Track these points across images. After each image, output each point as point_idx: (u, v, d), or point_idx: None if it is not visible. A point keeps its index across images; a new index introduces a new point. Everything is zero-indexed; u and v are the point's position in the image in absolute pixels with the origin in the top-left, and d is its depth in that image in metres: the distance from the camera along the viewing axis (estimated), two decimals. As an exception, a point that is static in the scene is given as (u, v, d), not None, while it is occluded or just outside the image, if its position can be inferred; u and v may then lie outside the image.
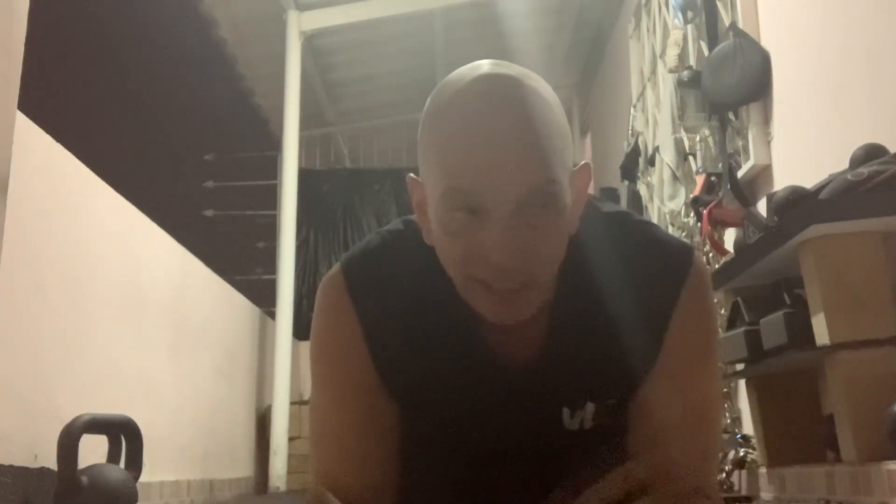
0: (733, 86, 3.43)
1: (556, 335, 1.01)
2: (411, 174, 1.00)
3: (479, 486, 1.11)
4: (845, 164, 2.40)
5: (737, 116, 3.63)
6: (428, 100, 0.94)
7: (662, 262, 1.01)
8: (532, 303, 0.92)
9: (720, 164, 3.62)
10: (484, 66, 0.93)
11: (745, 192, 3.42)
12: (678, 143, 4.38)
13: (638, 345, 1.00)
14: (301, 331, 5.98)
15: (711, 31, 3.84)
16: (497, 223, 0.87)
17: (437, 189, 0.90)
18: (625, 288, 1.00)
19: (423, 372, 1.03)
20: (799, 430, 2.79)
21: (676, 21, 4.21)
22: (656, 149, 4.72)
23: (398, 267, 1.03)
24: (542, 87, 0.92)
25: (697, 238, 3.86)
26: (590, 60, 7.25)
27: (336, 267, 1.06)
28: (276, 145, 7.03)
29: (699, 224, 3.66)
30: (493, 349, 1.01)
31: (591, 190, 1.07)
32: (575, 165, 0.97)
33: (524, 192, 0.86)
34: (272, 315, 6.14)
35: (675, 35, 4.35)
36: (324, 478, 1.05)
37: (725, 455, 3.19)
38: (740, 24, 3.50)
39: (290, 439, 5.69)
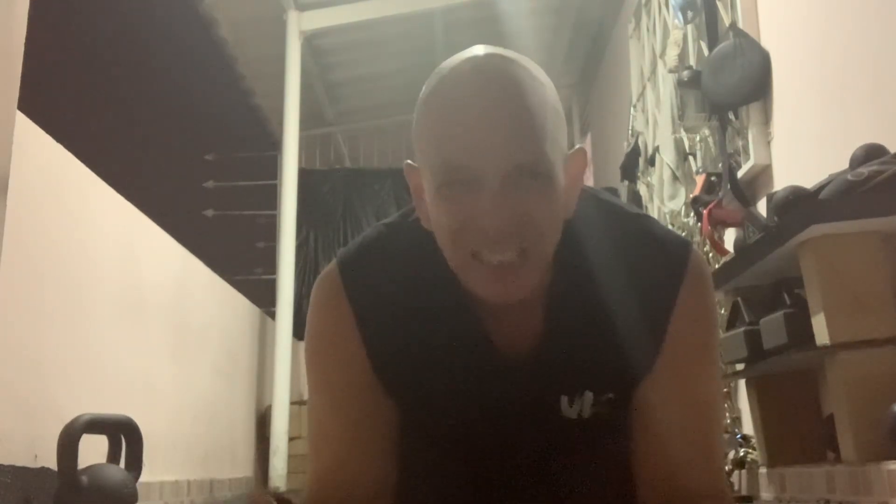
0: (733, 86, 3.43)
1: (553, 322, 1.01)
2: (408, 161, 1.00)
3: (479, 478, 1.11)
4: (845, 164, 2.40)
5: (737, 116, 3.63)
6: (423, 86, 0.96)
7: (661, 256, 1.01)
8: (528, 278, 0.92)
9: (720, 164, 3.62)
10: (477, 48, 0.95)
11: (745, 192, 3.42)
12: (678, 143, 4.38)
13: (636, 341, 1.00)
14: (301, 331, 5.93)
15: (711, 31, 3.84)
16: (489, 191, 0.88)
17: (431, 165, 0.91)
18: (623, 281, 1.00)
19: (422, 367, 1.02)
20: (799, 430, 2.79)
21: (676, 21, 4.21)
22: (656, 149, 4.72)
23: (394, 261, 1.03)
24: (537, 70, 0.94)
25: (697, 238, 3.86)
26: (590, 60, 7.25)
27: (332, 263, 1.06)
28: (276, 145, 7.02)
29: (699, 224, 3.66)
30: (492, 338, 1.01)
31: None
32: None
33: (515, 160, 0.88)
34: (272, 315, 6.14)
35: (675, 35, 4.35)
36: (322, 477, 1.05)
37: (725, 455, 3.20)
38: (740, 24, 3.50)
39: (290, 439, 5.69)
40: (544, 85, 0.93)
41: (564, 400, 1.04)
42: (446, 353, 1.02)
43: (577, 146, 0.99)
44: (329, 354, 1.04)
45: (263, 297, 6.50)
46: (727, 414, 3.52)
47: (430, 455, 1.09)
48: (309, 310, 1.06)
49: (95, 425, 2.77)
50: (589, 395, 1.03)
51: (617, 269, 1.01)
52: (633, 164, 5.22)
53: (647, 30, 5.16)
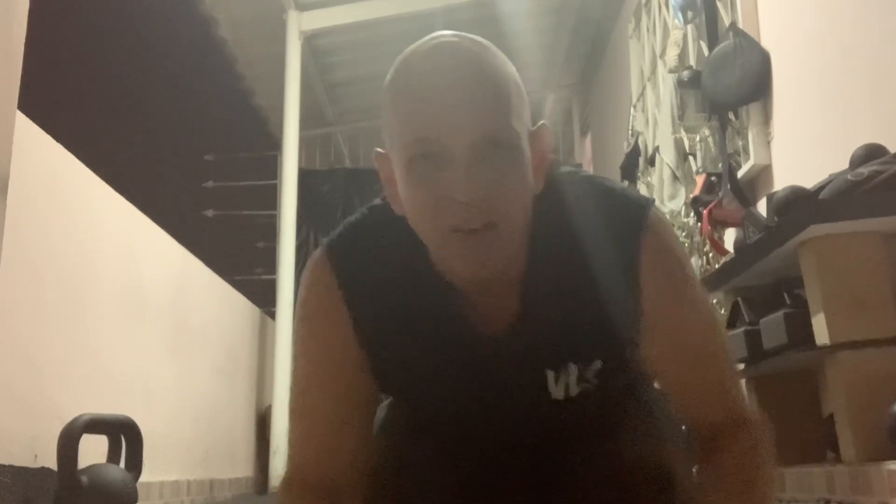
0: (733, 86, 3.43)
1: (532, 297, 1.02)
2: (378, 149, 1.01)
3: (468, 465, 1.11)
4: (845, 164, 2.40)
5: (737, 116, 3.63)
6: (388, 73, 0.97)
7: (619, 212, 1.03)
8: (500, 249, 0.93)
9: (720, 164, 3.62)
10: (437, 32, 0.97)
11: (745, 192, 3.42)
12: (678, 143, 4.38)
13: (613, 303, 1.01)
14: (301, 331, 5.97)
15: (711, 31, 3.84)
16: (458, 163, 0.89)
17: (399, 143, 0.93)
18: (590, 245, 1.02)
19: (406, 346, 1.04)
20: (799, 430, 2.79)
21: (676, 21, 4.21)
22: (656, 149, 4.72)
23: (377, 242, 1.05)
24: (497, 50, 0.96)
25: (697, 238, 3.86)
26: (590, 60, 7.25)
27: (319, 248, 1.08)
28: (276, 145, 7.02)
29: (699, 224, 3.66)
30: (473, 318, 1.02)
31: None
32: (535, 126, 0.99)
33: (481, 131, 0.89)
34: (272, 315, 6.14)
35: (675, 35, 4.35)
36: (299, 450, 1.08)
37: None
38: (740, 24, 3.50)
39: (291, 439, 5.69)
40: (505, 62, 0.95)
41: (551, 375, 1.04)
42: (429, 333, 1.04)
43: (540, 122, 1.00)
44: (317, 327, 1.06)
45: (263, 297, 6.51)
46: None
47: (421, 438, 1.10)
48: (299, 290, 1.09)
49: (95, 425, 2.77)
50: (573, 369, 1.04)
51: (584, 235, 1.02)
52: (633, 164, 5.22)
53: (647, 30, 5.16)
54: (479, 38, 0.96)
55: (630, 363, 1.07)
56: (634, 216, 1.02)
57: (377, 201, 1.09)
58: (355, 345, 1.04)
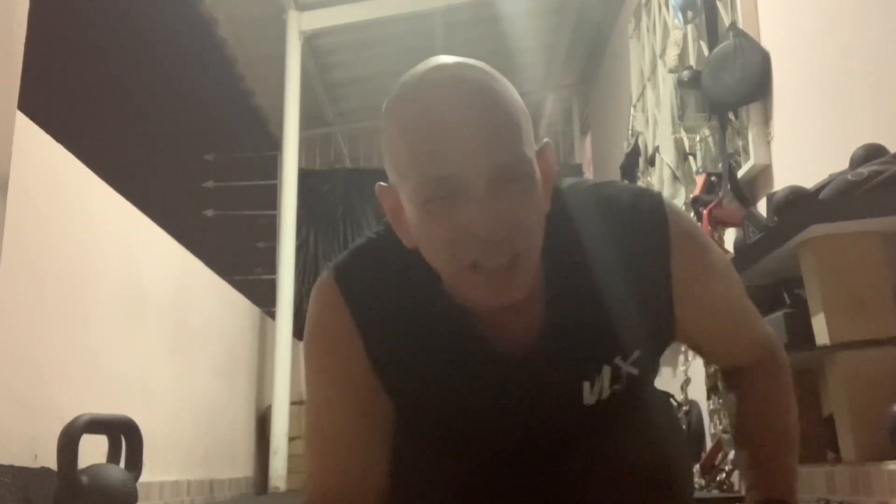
0: (733, 86, 3.42)
1: (555, 312, 1.02)
2: (381, 183, 1.00)
3: (490, 486, 1.11)
4: (845, 164, 2.40)
5: (737, 116, 3.63)
6: (385, 103, 0.96)
7: (639, 209, 1.04)
8: (523, 280, 0.93)
9: (720, 164, 3.62)
10: (434, 59, 0.96)
11: (745, 192, 3.42)
12: (678, 143, 4.38)
13: (648, 288, 1.03)
14: (301, 331, 5.93)
15: (711, 31, 3.83)
16: (476, 199, 0.88)
17: (412, 181, 0.91)
18: (610, 252, 1.02)
19: (422, 371, 1.02)
20: (799, 430, 2.79)
21: (676, 21, 4.21)
22: (656, 149, 4.72)
23: (387, 267, 1.03)
24: (495, 72, 0.95)
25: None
26: (590, 60, 7.25)
27: (325, 271, 1.07)
28: (276, 145, 7.03)
29: (699, 224, 3.66)
30: (487, 335, 1.02)
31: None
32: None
33: (498, 164, 0.88)
34: (272, 315, 6.14)
35: (675, 35, 4.35)
36: (322, 479, 1.06)
37: (725, 455, 3.19)
38: (740, 24, 3.50)
39: (290, 439, 5.69)
40: (506, 85, 0.94)
41: (585, 385, 1.05)
42: (446, 360, 1.02)
43: (544, 140, 0.99)
44: (329, 354, 1.05)
45: (263, 297, 6.51)
46: (726, 413, 3.52)
47: (438, 463, 1.09)
48: (307, 315, 1.07)
49: (95, 425, 2.77)
50: (607, 371, 1.04)
51: (602, 239, 1.02)
52: (633, 164, 5.22)
53: (647, 30, 5.16)
54: (480, 64, 0.94)
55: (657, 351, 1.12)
56: (656, 209, 1.04)
57: (381, 227, 1.08)
58: (368, 367, 1.02)
